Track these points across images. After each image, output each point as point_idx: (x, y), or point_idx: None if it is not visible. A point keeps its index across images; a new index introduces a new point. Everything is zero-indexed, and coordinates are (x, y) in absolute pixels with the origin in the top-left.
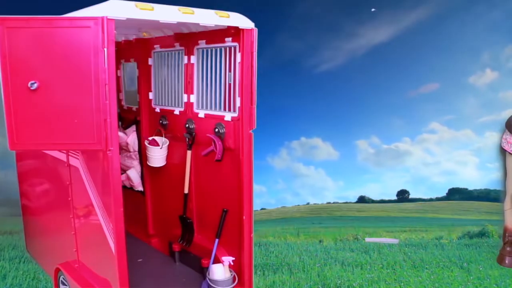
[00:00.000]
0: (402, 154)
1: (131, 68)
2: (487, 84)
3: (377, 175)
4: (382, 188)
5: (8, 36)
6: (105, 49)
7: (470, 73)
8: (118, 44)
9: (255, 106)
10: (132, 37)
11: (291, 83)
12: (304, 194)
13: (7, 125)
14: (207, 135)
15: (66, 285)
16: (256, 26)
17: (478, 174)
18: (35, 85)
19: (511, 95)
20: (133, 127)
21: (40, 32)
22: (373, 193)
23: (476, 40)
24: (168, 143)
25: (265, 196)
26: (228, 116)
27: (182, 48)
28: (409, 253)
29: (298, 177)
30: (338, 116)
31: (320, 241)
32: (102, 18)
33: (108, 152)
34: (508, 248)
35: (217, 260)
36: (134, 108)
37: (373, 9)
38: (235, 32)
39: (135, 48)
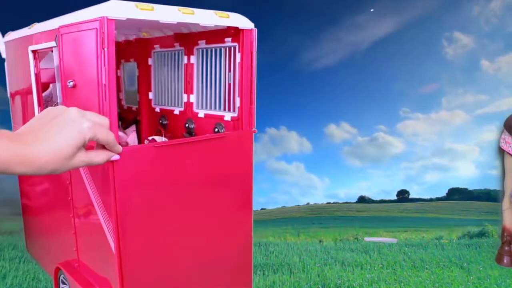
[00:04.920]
0: (384, 145)
1: (131, 68)
2: (461, 55)
3: (364, 171)
4: (375, 186)
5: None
6: (105, 49)
7: (437, 39)
8: (118, 44)
9: (255, 106)
10: (132, 37)
11: (269, 75)
12: (294, 193)
13: None
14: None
15: (66, 284)
16: (247, 17)
17: (475, 172)
18: None
19: (497, 66)
20: (133, 127)
21: None
22: (366, 191)
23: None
24: None
25: (254, 195)
26: (227, 116)
27: (182, 48)
28: (409, 253)
29: (277, 173)
30: (303, 103)
31: (320, 241)
32: (102, 18)
33: None
34: (506, 248)
35: None
36: (134, 108)
37: (372, 10)
38: (234, 33)
39: (135, 48)
